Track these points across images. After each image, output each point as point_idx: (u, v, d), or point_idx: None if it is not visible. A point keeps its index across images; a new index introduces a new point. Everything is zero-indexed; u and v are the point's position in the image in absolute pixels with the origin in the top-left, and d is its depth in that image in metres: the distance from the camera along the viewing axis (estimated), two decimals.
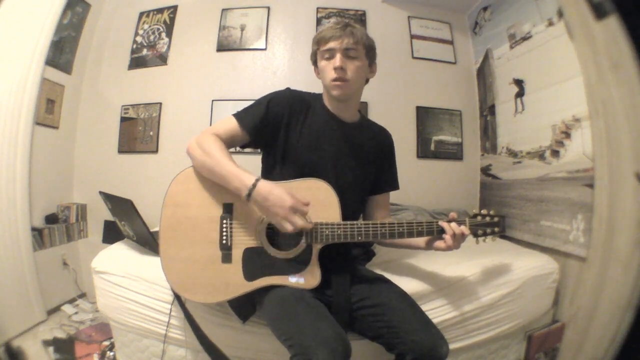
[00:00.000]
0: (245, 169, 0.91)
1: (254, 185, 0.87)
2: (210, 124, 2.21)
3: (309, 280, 0.95)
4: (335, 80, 1.00)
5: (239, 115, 1.02)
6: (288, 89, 1.07)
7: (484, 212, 1.03)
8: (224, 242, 0.96)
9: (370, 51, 1.06)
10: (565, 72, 1.52)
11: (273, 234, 0.97)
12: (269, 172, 1.07)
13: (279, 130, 1.02)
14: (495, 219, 1.02)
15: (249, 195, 0.87)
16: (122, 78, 2.37)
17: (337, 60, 0.99)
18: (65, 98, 2.21)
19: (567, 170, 1.54)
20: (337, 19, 2.34)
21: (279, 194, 0.86)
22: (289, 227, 0.86)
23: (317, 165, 1.01)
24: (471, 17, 2.37)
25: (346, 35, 1.00)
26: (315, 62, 1.09)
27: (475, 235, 1.01)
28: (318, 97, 1.10)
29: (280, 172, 1.03)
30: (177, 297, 1.11)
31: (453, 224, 0.97)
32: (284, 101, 1.03)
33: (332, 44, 1.00)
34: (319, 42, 1.04)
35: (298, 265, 0.95)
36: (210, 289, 0.96)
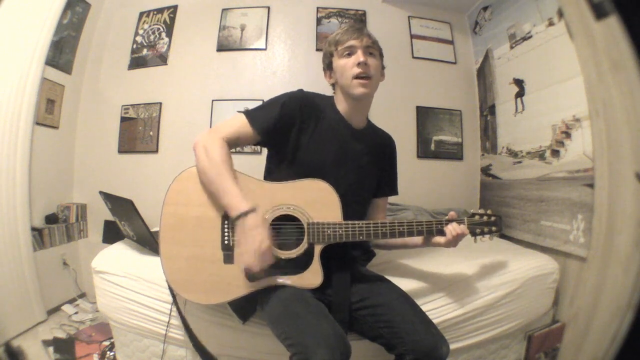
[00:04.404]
0: (242, 193, 0.90)
1: (246, 214, 0.87)
2: (211, 124, 2.22)
3: (311, 280, 0.95)
4: (358, 76, 0.99)
5: (250, 115, 1.00)
6: (301, 90, 1.06)
7: (481, 211, 1.05)
8: (226, 242, 0.96)
9: (382, 56, 1.08)
10: (565, 72, 1.52)
11: (275, 234, 0.97)
12: (274, 170, 1.08)
13: (290, 133, 1.01)
14: (493, 219, 1.04)
15: (238, 217, 0.88)
16: (122, 78, 2.38)
17: (360, 55, 1.00)
18: (65, 98, 2.21)
19: (567, 170, 1.54)
20: (341, 19, 2.34)
21: (262, 236, 0.87)
22: (244, 263, 0.88)
23: (320, 167, 1.01)
24: (471, 17, 2.37)
25: (365, 35, 1.02)
26: (328, 65, 1.09)
27: (474, 234, 1.03)
28: (329, 99, 1.10)
29: (284, 171, 1.03)
30: (174, 300, 1.11)
31: (454, 225, 0.99)
32: (297, 104, 1.02)
33: (353, 42, 1.01)
34: (337, 42, 1.04)
35: (300, 265, 0.95)
36: (212, 289, 0.95)
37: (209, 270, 0.95)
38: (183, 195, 0.98)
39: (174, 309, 1.14)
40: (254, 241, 0.86)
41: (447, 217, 1.02)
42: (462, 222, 1.02)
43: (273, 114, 0.99)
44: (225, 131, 0.98)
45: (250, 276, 0.93)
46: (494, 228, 1.03)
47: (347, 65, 1.01)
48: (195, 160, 0.97)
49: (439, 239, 1.01)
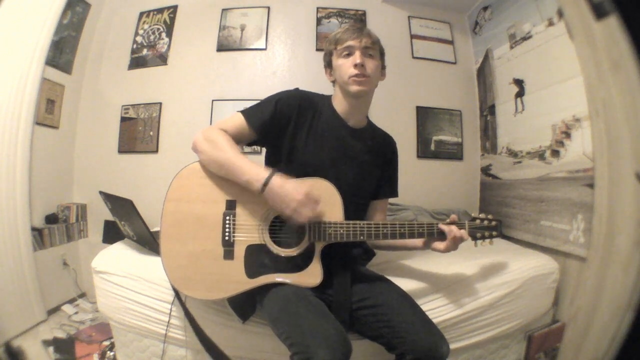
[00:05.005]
0: (255, 164, 0.92)
1: (270, 177, 0.88)
2: (211, 124, 2.22)
3: (311, 279, 0.95)
4: (355, 75, 1.00)
5: (246, 113, 1.01)
6: (297, 89, 1.07)
7: (482, 216, 1.05)
8: (227, 238, 0.96)
9: (382, 55, 1.09)
10: (565, 72, 1.52)
11: (276, 231, 0.97)
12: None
13: (286, 131, 1.02)
14: (493, 223, 1.04)
15: (264, 185, 0.88)
16: (122, 78, 2.37)
17: (358, 57, 1.00)
18: (65, 98, 2.21)
19: (567, 170, 1.54)
20: (341, 19, 2.34)
21: (294, 185, 0.88)
22: (301, 218, 0.87)
23: (318, 166, 1.01)
24: (471, 17, 2.38)
25: (365, 36, 1.02)
26: (329, 63, 1.09)
27: (474, 238, 1.03)
28: (327, 99, 1.10)
29: (283, 171, 1.02)
30: (177, 295, 1.11)
31: (453, 227, 0.99)
32: (293, 101, 1.02)
33: (351, 42, 1.02)
34: (336, 41, 1.05)
35: (300, 263, 0.96)
36: (211, 286, 0.96)
37: (209, 267, 0.95)
38: (184, 192, 0.98)
39: (175, 308, 1.14)
40: (292, 193, 0.87)
41: (448, 220, 1.02)
42: (463, 226, 1.02)
43: (268, 111, 1.00)
44: (223, 128, 0.99)
45: (314, 229, 0.94)
46: (494, 233, 1.04)
47: (345, 66, 1.02)
48: (199, 156, 0.97)
49: (439, 245, 1.01)
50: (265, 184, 0.88)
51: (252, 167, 0.90)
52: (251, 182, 0.90)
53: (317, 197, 0.90)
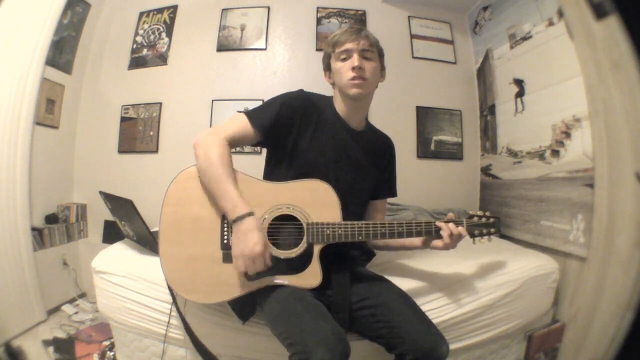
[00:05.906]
0: (241, 196, 0.90)
1: (245, 217, 0.87)
2: (211, 124, 2.22)
3: (310, 280, 0.95)
4: (353, 79, 1.00)
5: (251, 114, 1.01)
6: (301, 90, 1.07)
7: (480, 212, 1.05)
8: (225, 241, 0.96)
9: (382, 56, 1.08)
10: (565, 72, 1.52)
11: (274, 233, 0.98)
12: (273, 170, 1.08)
13: (290, 133, 1.02)
14: (491, 220, 1.03)
15: (236, 220, 0.87)
16: (122, 78, 2.38)
17: (356, 60, 1.00)
18: (65, 98, 2.21)
19: (567, 170, 1.54)
20: (341, 19, 2.34)
21: (255, 239, 0.86)
22: (239, 267, 0.88)
23: (320, 167, 1.02)
24: (471, 17, 2.38)
25: (362, 38, 1.02)
26: (328, 66, 1.09)
27: (472, 235, 1.03)
28: (329, 100, 1.10)
29: (284, 171, 1.03)
30: (174, 300, 1.12)
31: (451, 224, 0.99)
32: (299, 104, 1.02)
33: (349, 45, 1.01)
34: (334, 44, 1.04)
35: (299, 265, 0.95)
36: (211, 289, 0.96)
37: (208, 270, 0.95)
38: (182, 196, 0.98)
39: (174, 309, 1.14)
40: (246, 244, 0.86)
41: (445, 219, 1.02)
42: (461, 223, 1.02)
43: (272, 113, 1.00)
44: (226, 131, 0.98)
45: (249, 277, 0.93)
46: (492, 229, 1.03)
47: (343, 69, 1.02)
48: (195, 160, 0.97)
49: (438, 243, 1.01)
50: (237, 220, 0.87)
51: (234, 196, 0.89)
52: (226, 211, 0.90)
53: (263, 265, 0.88)
